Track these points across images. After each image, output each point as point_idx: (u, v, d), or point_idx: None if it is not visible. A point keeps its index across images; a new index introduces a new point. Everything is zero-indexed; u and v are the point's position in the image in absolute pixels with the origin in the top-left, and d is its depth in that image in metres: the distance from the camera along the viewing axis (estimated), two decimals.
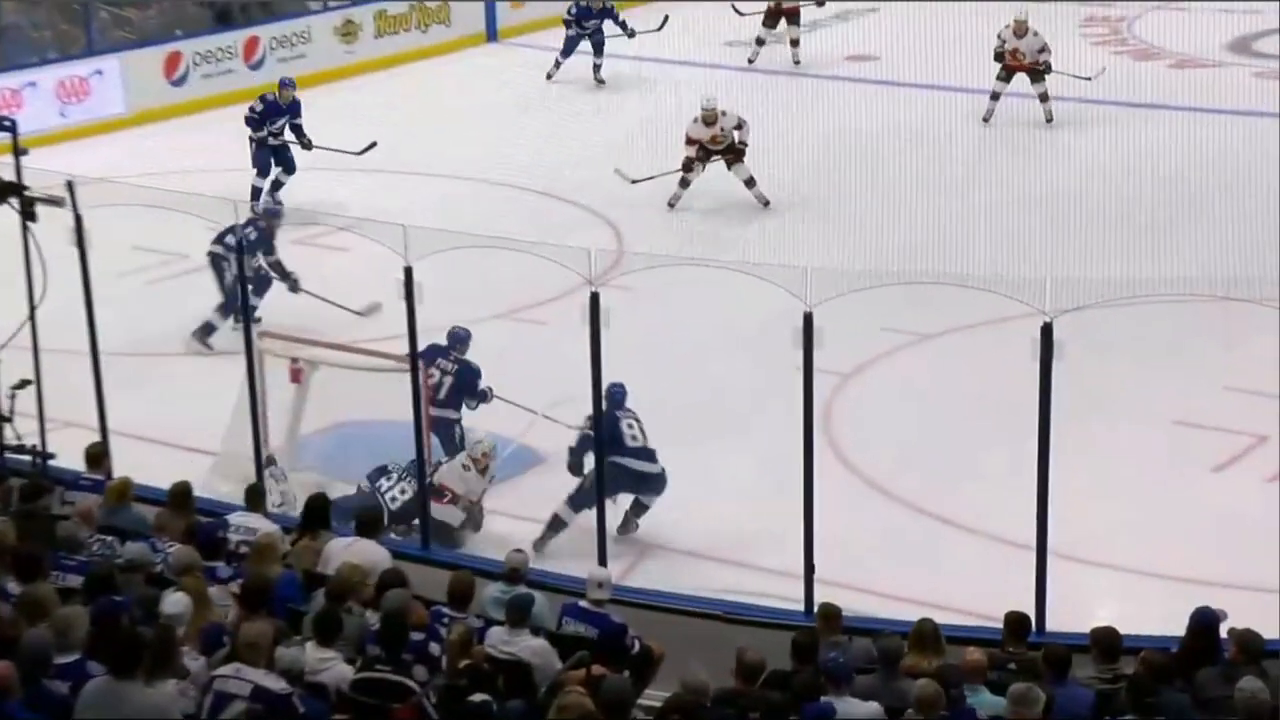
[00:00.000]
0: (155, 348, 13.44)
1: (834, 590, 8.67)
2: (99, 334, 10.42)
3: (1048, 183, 16.97)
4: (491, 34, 24.02)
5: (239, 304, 11.77)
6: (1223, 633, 7.57)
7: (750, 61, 20.94)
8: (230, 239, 12.39)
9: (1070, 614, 8.57)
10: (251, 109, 16.66)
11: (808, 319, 8.59)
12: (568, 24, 20.93)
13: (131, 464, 10.01)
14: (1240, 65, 20.81)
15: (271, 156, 16.66)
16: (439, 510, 10.30)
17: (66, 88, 20.12)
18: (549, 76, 20.87)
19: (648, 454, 10.55)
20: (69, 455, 10.07)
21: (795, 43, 21.04)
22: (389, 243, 9.28)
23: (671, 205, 16.47)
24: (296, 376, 10.71)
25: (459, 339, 11.39)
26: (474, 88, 20.43)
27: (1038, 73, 18.39)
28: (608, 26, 20.84)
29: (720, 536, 10.54)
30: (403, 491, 10.45)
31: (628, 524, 10.61)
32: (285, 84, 16.84)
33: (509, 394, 11.38)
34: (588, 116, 19.48)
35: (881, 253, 14.25)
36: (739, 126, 16.43)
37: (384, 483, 10.50)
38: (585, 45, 21.03)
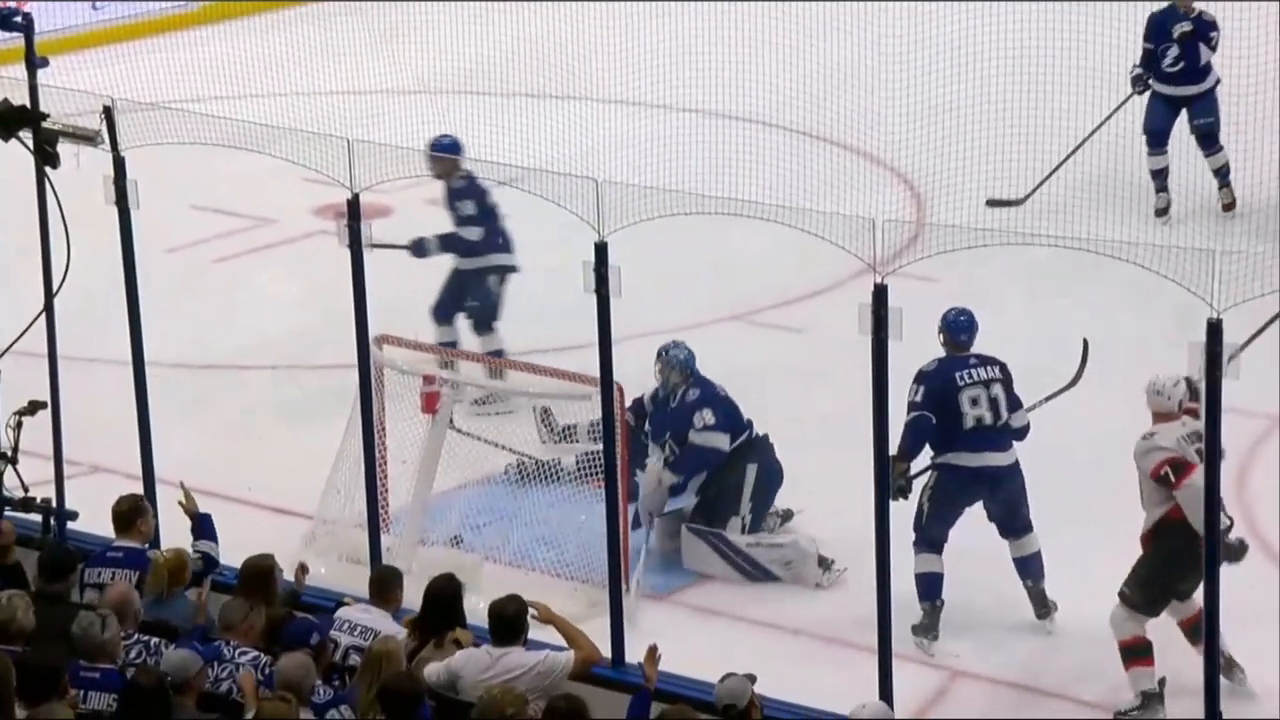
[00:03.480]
0: (224, 358, 13.26)
1: None
2: (144, 336, 10.04)
3: None
4: None
5: None
6: None
7: None
8: None
9: None
10: None
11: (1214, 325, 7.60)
12: None
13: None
14: None
15: None
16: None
17: None
18: None
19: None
20: (95, 514, 9.74)
21: None
22: (573, 207, 8.84)
23: None
24: (431, 404, 10.24)
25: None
26: None
27: None
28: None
29: (1068, 660, 9.93)
30: None
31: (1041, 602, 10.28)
32: None
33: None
34: None
35: None
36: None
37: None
38: None
